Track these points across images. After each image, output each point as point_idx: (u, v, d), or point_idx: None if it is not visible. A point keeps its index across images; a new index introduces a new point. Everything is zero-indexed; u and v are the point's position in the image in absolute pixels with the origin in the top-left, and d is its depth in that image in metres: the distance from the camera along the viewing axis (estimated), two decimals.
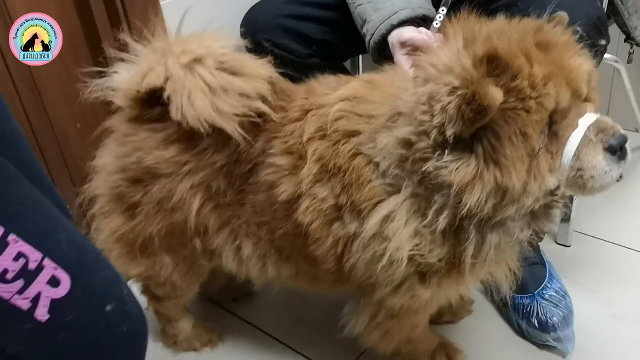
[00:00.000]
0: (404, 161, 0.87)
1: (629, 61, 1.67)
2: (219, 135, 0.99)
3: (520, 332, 1.30)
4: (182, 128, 0.99)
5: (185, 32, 1.05)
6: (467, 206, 0.81)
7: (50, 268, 0.66)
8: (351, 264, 0.98)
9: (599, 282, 1.42)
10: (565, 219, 1.52)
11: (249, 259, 1.10)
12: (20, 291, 0.64)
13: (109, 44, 1.04)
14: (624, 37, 1.56)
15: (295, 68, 1.33)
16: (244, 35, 1.41)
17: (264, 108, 1.00)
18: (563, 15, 0.88)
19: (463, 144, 0.81)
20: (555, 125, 0.82)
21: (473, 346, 1.28)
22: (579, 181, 0.84)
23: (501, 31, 0.84)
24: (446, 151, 0.81)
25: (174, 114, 0.97)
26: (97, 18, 1.39)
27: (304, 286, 1.15)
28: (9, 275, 0.63)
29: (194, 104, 0.95)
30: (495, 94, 0.76)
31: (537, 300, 1.28)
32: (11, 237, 0.64)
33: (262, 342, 1.36)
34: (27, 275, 0.65)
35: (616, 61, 1.62)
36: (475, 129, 0.78)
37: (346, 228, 0.96)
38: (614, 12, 1.44)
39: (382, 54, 1.13)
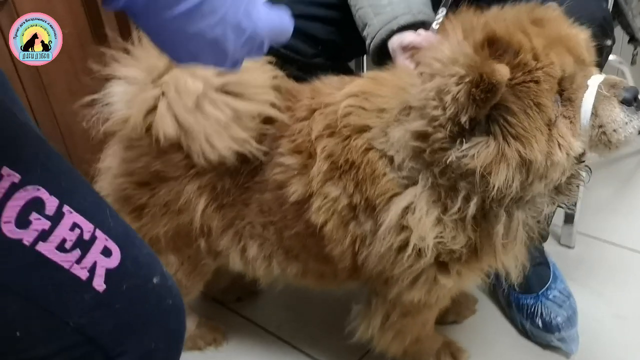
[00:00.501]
0: (421, 153, 0.88)
1: (633, 62, 1.67)
2: None
3: (524, 333, 1.30)
4: None
5: None
6: (496, 187, 0.82)
7: (102, 239, 0.67)
8: (366, 260, 0.98)
9: (603, 283, 1.42)
10: (569, 220, 1.52)
11: (254, 260, 1.10)
12: (78, 260, 0.65)
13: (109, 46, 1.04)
14: (627, 38, 1.56)
15: (300, 67, 1.33)
16: None
17: (275, 114, 1.00)
18: (553, 4, 0.91)
19: (480, 128, 0.82)
20: (566, 92, 0.84)
21: (477, 346, 1.28)
22: (603, 138, 0.86)
23: (497, 16, 0.86)
24: (464, 139, 0.82)
25: (197, 159, 0.97)
26: (104, 15, 1.40)
27: (311, 284, 1.16)
28: (68, 245, 0.64)
29: (214, 146, 0.95)
30: (501, 70, 0.77)
31: (541, 301, 1.28)
32: (65, 208, 0.65)
33: (266, 342, 1.36)
34: (83, 245, 0.65)
35: (620, 62, 1.62)
36: (488, 109, 0.79)
37: (362, 227, 0.96)
38: (618, 13, 1.45)
39: (382, 58, 1.14)
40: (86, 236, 0.66)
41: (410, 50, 1.03)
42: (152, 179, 1.04)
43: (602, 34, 1.10)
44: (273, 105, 1.00)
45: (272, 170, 1.01)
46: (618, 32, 1.40)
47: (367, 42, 1.16)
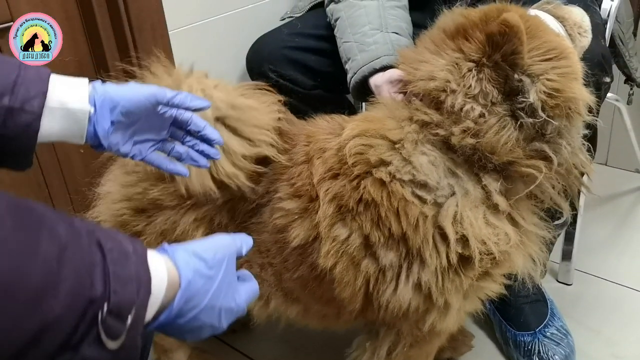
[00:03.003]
0: (459, 165, 0.91)
1: (629, 102, 1.69)
2: None
3: None
4: None
5: (192, 61, 1.05)
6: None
7: None
8: (384, 296, 0.96)
9: (601, 321, 1.40)
10: (567, 257, 1.52)
11: None
12: None
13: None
14: (624, 78, 1.58)
15: (300, 99, 1.34)
16: (249, 65, 1.43)
17: (273, 154, 1.00)
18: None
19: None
20: None
21: None
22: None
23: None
24: (517, 97, 0.86)
25: (179, 188, 0.97)
26: (106, 43, 1.40)
27: (312, 324, 1.14)
28: None
29: (202, 183, 0.95)
30: (509, 16, 0.83)
31: (538, 338, 1.26)
32: None
33: None
34: None
35: (617, 100, 1.64)
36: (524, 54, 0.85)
37: (380, 262, 0.94)
38: (615, 54, 1.46)
39: (362, 92, 1.17)
40: None
41: (399, 84, 1.04)
42: (149, 206, 1.04)
43: (600, 71, 1.11)
44: (272, 145, 1.00)
45: (271, 214, 1.00)
46: (614, 71, 1.42)
47: (349, 75, 1.19)
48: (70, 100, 0.73)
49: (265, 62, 1.37)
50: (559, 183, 0.92)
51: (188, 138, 0.86)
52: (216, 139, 0.86)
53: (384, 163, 0.93)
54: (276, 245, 1.02)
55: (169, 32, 1.46)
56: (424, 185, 0.91)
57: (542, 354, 1.23)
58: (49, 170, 1.42)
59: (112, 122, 0.76)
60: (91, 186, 1.11)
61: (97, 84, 0.77)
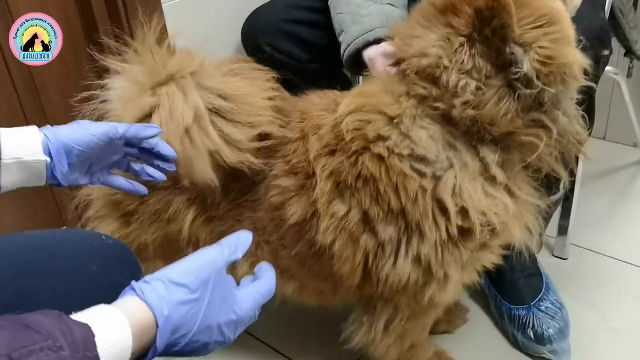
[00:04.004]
0: (457, 137, 0.90)
1: (629, 75, 1.67)
2: None
3: (515, 344, 1.29)
4: None
5: (187, 34, 1.03)
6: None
7: None
8: (383, 270, 0.97)
9: (596, 295, 1.41)
10: (563, 231, 1.52)
11: (245, 277, 1.09)
12: None
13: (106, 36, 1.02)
14: (624, 51, 1.56)
15: (296, 73, 1.33)
16: (244, 38, 1.41)
17: (275, 130, 0.99)
18: None
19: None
20: None
21: (468, 356, 1.27)
22: None
23: None
24: (511, 68, 0.85)
25: (181, 180, 0.97)
26: (98, 18, 1.39)
27: (309, 300, 1.14)
28: None
29: (195, 172, 0.95)
30: None
31: (533, 312, 1.27)
32: None
33: (256, 350, 1.34)
34: None
35: (616, 73, 1.62)
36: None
37: (379, 236, 0.94)
38: (614, 26, 1.45)
39: (355, 65, 1.15)
40: None
41: (394, 57, 1.03)
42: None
43: (599, 44, 1.10)
44: (272, 122, 0.99)
45: (266, 191, 1.00)
46: (614, 44, 1.40)
47: (342, 48, 1.17)
48: (24, 154, 0.75)
49: (260, 36, 1.35)
50: (556, 150, 0.92)
51: (142, 154, 0.87)
52: (169, 154, 0.87)
53: (382, 138, 0.92)
54: (272, 223, 1.01)
55: (162, 5, 1.44)
56: (422, 159, 0.91)
57: (536, 327, 1.24)
58: None
59: (69, 164, 0.79)
60: None
61: (47, 130, 0.78)
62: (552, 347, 1.22)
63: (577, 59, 0.87)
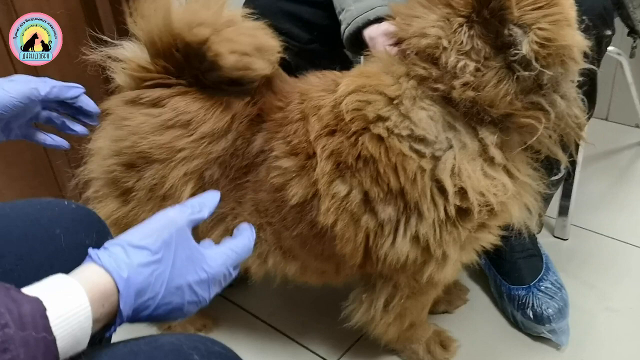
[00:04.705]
0: (457, 118, 0.89)
1: (632, 55, 1.66)
2: (216, 125, 0.99)
3: (514, 324, 1.30)
4: (179, 115, 0.99)
5: None
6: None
7: None
8: (382, 249, 0.97)
9: (596, 275, 1.42)
10: (564, 212, 1.52)
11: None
12: None
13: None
14: (627, 30, 1.55)
15: (296, 54, 1.31)
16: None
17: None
18: None
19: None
20: None
21: (467, 336, 1.28)
22: None
23: None
24: (511, 49, 0.84)
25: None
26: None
27: (310, 280, 1.15)
28: None
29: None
30: None
31: (532, 292, 1.28)
32: None
33: (256, 329, 1.36)
34: None
35: (619, 54, 1.61)
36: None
37: (379, 216, 0.95)
38: (618, 5, 1.43)
39: (356, 44, 1.14)
40: None
41: (395, 37, 1.03)
42: (139, 161, 1.02)
43: (602, 23, 1.09)
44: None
45: (267, 172, 1.00)
46: (617, 23, 1.39)
47: (343, 26, 1.16)
48: None
49: (261, 16, 1.34)
50: (555, 133, 0.92)
51: (63, 108, 0.86)
52: (92, 110, 0.87)
53: (381, 119, 0.92)
54: (274, 204, 1.02)
55: None
56: (422, 140, 0.91)
57: (535, 307, 1.25)
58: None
59: None
60: (83, 142, 1.10)
61: None
62: (551, 327, 1.23)
63: (577, 42, 0.86)
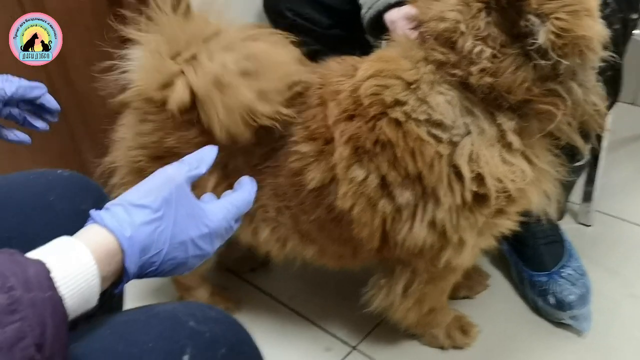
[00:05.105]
0: (475, 104, 0.89)
1: None
2: None
3: (536, 310, 1.30)
4: None
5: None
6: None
7: None
8: (400, 233, 0.98)
9: (619, 262, 1.40)
10: (587, 198, 1.50)
11: (266, 242, 1.11)
12: None
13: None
14: None
15: (317, 39, 1.32)
16: (266, 3, 1.40)
17: (307, 77, 1.00)
18: None
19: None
20: None
21: (487, 321, 1.28)
22: None
23: None
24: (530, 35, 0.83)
25: (219, 133, 0.96)
26: None
27: (328, 264, 1.16)
28: None
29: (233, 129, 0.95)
30: None
31: (554, 278, 1.27)
32: None
33: (278, 312, 1.37)
34: None
35: None
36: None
37: (396, 201, 0.95)
38: None
39: (376, 29, 1.13)
40: None
41: (416, 20, 1.02)
42: (166, 154, 1.04)
43: (627, 7, 1.07)
44: (298, 71, 0.99)
45: (286, 157, 1.01)
46: None
47: (363, 10, 1.16)
48: None
49: (282, 1, 1.34)
50: (574, 120, 0.91)
51: (24, 104, 0.86)
52: (54, 107, 0.87)
53: (399, 103, 0.92)
54: (292, 189, 1.02)
55: None
56: (439, 125, 0.91)
57: (557, 293, 1.24)
58: (68, 110, 1.43)
59: None
60: (108, 131, 1.11)
61: None
62: (572, 313, 1.22)
63: (596, 32, 0.84)
